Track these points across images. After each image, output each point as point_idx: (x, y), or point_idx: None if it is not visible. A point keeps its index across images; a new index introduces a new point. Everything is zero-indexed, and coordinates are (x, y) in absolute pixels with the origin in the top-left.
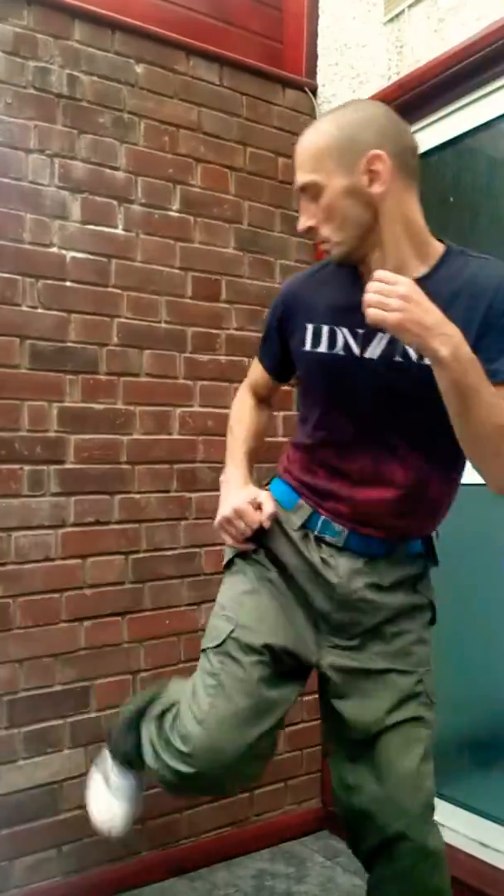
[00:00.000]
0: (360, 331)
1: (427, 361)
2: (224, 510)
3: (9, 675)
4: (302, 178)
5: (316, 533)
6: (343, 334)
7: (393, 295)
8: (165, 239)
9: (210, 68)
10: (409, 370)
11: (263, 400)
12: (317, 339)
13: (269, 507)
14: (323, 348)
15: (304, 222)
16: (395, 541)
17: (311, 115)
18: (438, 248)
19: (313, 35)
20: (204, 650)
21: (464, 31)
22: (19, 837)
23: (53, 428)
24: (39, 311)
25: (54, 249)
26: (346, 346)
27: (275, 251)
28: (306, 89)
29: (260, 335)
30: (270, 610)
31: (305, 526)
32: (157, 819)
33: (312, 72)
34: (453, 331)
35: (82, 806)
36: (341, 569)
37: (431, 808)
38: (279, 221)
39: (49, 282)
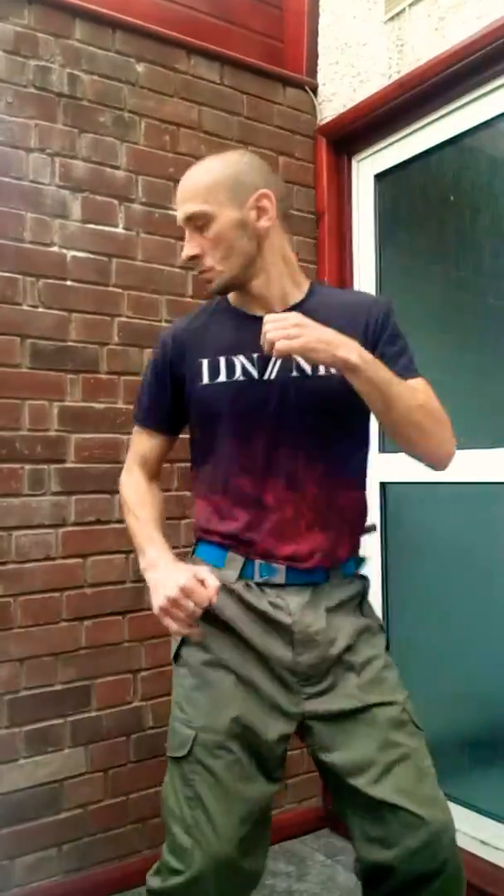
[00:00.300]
0: (255, 355)
1: (322, 371)
2: (168, 591)
3: (9, 675)
4: (190, 208)
5: (255, 580)
6: (240, 361)
7: (289, 326)
8: (166, 238)
9: (211, 67)
10: (306, 381)
11: (154, 477)
12: (215, 371)
13: (213, 581)
14: (223, 378)
15: (189, 250)
16: (329, 564)
17: (312, 113)
18: (305, 280)
19: (314, 34)
20: (174, 759)
21: (464, 29)
22: (20, 836)
23: (54, 427)
24: (40, 310)
25: (55, 248)
26: (245, 371)
27: None
28: (307, 88)
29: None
30: (225, 692)
31: (243, 576)
32: (157, 818)
33: (313, 70)
34: (350, 339)
35: (83, 805)
36: (292, 605)
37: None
38: None
39: (50, 281)
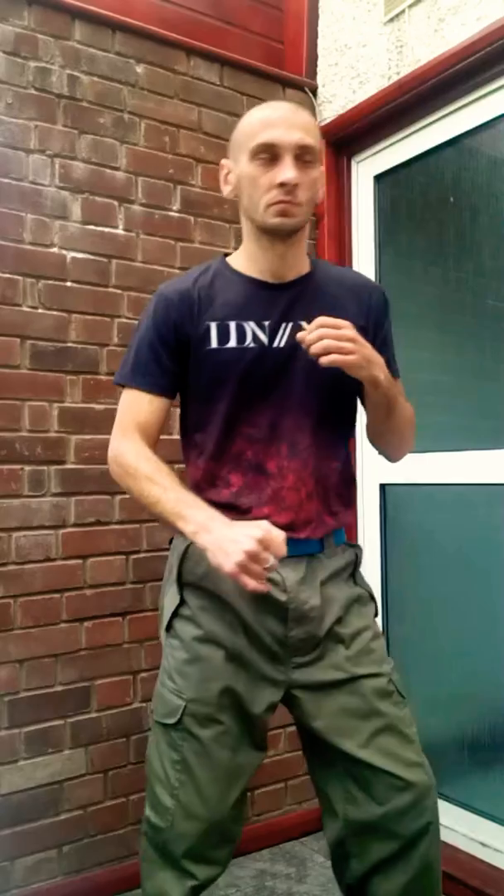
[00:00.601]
0: (266, 322)
1: None
2: (245, 545)
3: (9, 676)
4: (307, 139)
5: None
6: (251, 328)
7: (344, 339)
8: (166, 239)
9: (210, 68)
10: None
11: (154, 447)
12: (224, 336)
13: (280, 532)
14: (233, 343)
15: (294, 176)
16: (321, 534)
17: (312, 114)
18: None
19: (314, 35)
20: (162, 724)
21: (464, 30)
22: (20, 838)
23: (54, 428)
24: (40, 311)
25: (55, 250)
26: (256, 338)
27: None
28: (306, 89)
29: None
30: (216, 667)
31: None
32: None
33: (313, 72)
34: (379, 357)
35: (83, 806)
36: (288, 581)
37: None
38: None
39: (50, 282)
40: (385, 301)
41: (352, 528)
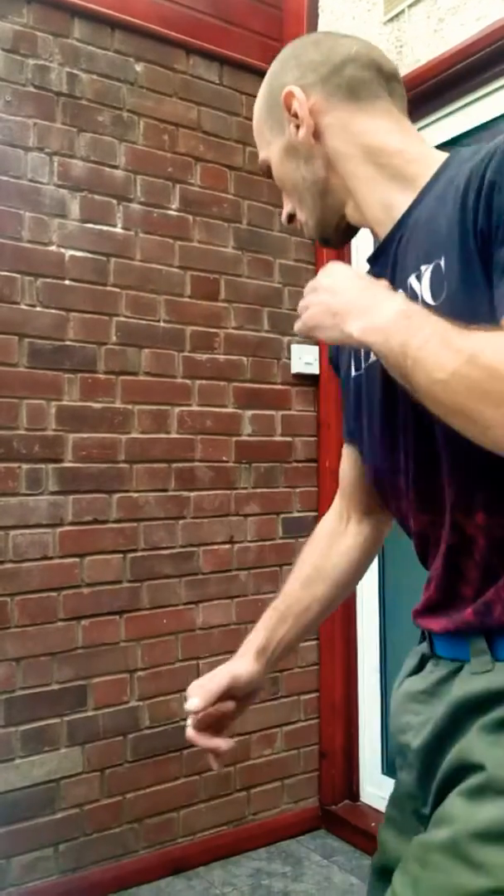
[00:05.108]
0: None
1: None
2: None
3: (6, 674)
4: (262, 152)
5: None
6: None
7: (307, 293)
8: (164, 238)
9: (210, 67)
10: None
11: (358, 511)
12: (356, 361)
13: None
14: (352, 370)
15: (286, 208)
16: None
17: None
18: (435, 160)
19: None
20: None
21: (463, 31)
22: (16, 836)
23: (52, 426)
24: (38, 309)
25: (53, 248)
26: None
27: (274, 250)
28: None
29: (261, 335)
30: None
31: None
32: (154, 818)
33: None
34: (371, 295)
35: (79, 805)
36: (451, 694)
37: None
38: (278, 221)
39: (48, 280)
40: (498, 163)
41: None
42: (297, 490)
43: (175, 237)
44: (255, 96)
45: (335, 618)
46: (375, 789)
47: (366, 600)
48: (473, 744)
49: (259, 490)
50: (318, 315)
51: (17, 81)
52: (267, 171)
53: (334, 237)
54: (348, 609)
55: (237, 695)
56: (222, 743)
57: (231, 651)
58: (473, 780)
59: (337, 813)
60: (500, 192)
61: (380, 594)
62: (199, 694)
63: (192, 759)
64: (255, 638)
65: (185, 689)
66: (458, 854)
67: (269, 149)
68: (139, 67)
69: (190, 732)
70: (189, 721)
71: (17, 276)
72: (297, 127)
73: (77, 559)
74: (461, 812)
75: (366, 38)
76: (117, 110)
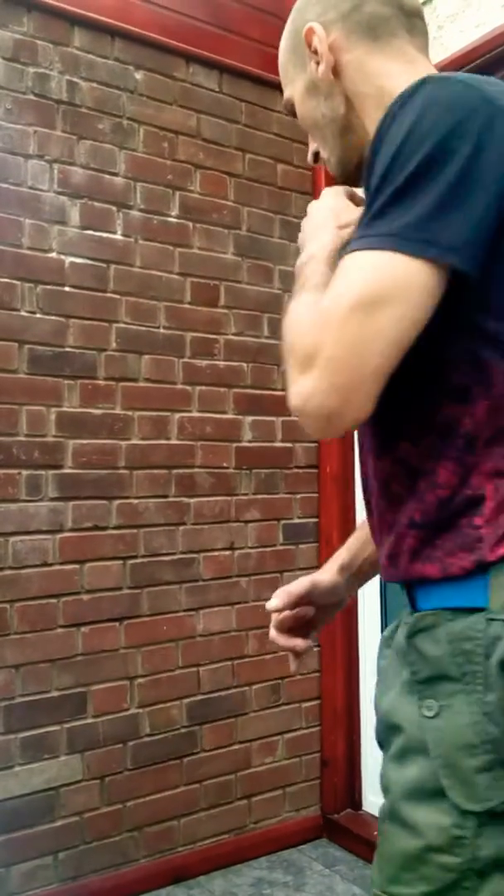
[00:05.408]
0: None
1: None
2: None
3: (5, 681)
4: (286, 90)
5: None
6: None
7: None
8: (164, 244)
9: (209, 75)
10: None
11: None
12: None
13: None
14: None
15: (309, 153)
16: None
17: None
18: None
19: None
20: None
21: (463, 37)
22: (15, 844)
23: (52, 433)
24: (38, 315)
25: (53, 255)
26: None
27: (274, 257)
28: None
29: (261, 341)
30: None
31: None
32: (154, 826)
33: None
34: (312, 230)
35: (79, 812)
36: None
37: None
38: (278, 227)
39: (48, 287)
40: (385, 118)
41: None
42: (298, 496)
43: (175, 244)
44: (254, 104)
45: (337, 624)
46: (378, 798)
47: (367, 607)
48: (395, 702)
49: (259, 496)
50: (300, 238)
51: (18, 89)
52: (291, 110)
53: (355, 175)
54: (350, 616)
55: (318, 602)
56: (300, 643)
57: (232, 658)
58: (396, 743)
59: (339, 822)
60: (375, 152)
61: (381, 601)
62: (281, 595)
63: (193, 766)
64: (339, 555)
65: (185, 697)
66: (396, 818)
67: (293, 86)
68: (139, 75)
69: (271, 633)
70: (272, 622)
71: (18, 282)
72: (318, 63)
73: (77, 565)
74: (392, 777)
75: None
76: (117, 118)
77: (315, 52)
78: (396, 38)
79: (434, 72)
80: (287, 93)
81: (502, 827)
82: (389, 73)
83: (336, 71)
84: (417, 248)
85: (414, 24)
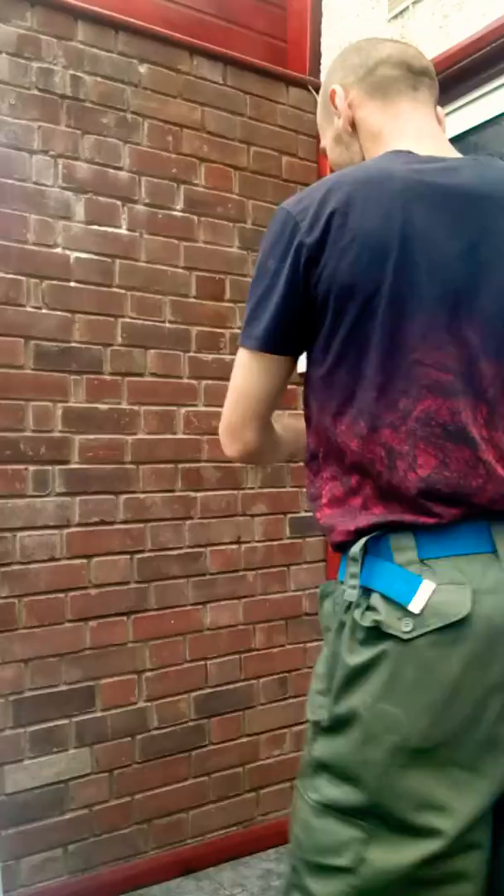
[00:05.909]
0: None
1: None
2: None
3: (14, 675)
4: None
5: None
6: None
7: None
8: (169, 239)
9: (213, 68)
10: None
11: None
12: None
13: None
14: None
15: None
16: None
17: (315, 113)
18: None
19: (317, 33)
20: None
21: (468, 27)
22: (25, 837)
23: (58, 428)
24: (44, 311)
25: (58, 250)
26: None
27: None
28: (310, 88)
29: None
30: None
31: None
32: (163, 819)
33: (316, 70)
34: None
35: (88, 805)
36: None
37: None
38: None
39: (53, 282)
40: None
41: None
42: (304, 490)
43: (180, 238)
44: (258, 96)
45: None
46: None
47: None
48: None
49: (266, 490)
50: None
51: (22, 84)
52: (326, 156)
53: None
54: None
55: None
56: None
57: (239, 651)
58: None
59: None
60: None
61: None
62: None
63: (201, 759)
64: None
65: (193, 690)
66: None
67: (325, 137)
68: (143, 69)
69: None
70: None
71: (23, 278)
72: (339, 118)
73: (84, 560)
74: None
75: (370, 36)
76: (121, 112)
77: (336, 108)
78: (401, 96)
79: (426, 113)
80: (322, 143)
81: (329, 738)
82: (374, 121)
83: (353, 124)
84: (243, 341)
85: (420, 81)
